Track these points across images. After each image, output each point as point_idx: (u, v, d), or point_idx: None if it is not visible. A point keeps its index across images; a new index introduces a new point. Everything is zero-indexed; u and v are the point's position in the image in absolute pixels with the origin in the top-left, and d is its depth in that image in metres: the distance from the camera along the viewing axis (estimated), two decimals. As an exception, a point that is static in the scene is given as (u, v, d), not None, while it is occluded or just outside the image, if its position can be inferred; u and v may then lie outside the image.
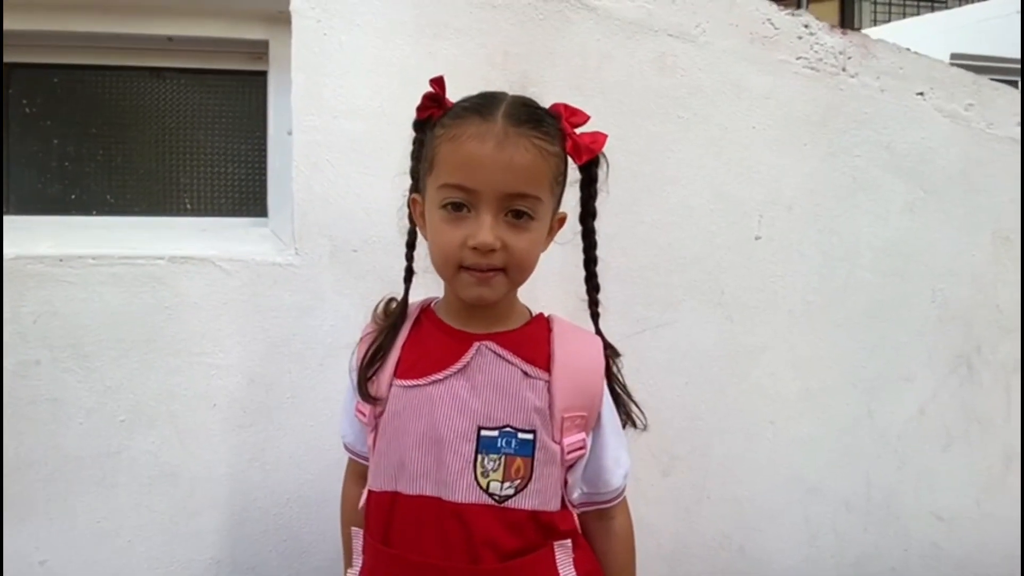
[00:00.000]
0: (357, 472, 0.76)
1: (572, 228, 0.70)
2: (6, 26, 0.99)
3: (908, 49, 1.09)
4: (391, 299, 0.72)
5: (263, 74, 1.07)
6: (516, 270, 0.63)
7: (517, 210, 0.61)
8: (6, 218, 1.03)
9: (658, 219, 1.01)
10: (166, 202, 1.08)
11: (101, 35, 1.02)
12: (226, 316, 0.93)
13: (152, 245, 0.95)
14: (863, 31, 1.10)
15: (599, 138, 0.64)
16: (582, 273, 0.72)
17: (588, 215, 0.69)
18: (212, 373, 0.94)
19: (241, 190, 1.09)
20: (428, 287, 0.73)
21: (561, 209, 0.68)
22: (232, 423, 0.94)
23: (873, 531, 1.09)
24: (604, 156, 0.66)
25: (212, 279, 0.93)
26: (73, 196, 1.06)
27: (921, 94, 1.08)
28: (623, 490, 0.72)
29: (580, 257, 0.71)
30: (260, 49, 1.05)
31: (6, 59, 1.04)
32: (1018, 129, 1.10)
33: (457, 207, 0.60)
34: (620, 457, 0.70)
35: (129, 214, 1.06)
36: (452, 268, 0.62)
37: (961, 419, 1.11)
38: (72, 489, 0.92)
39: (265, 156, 1.06)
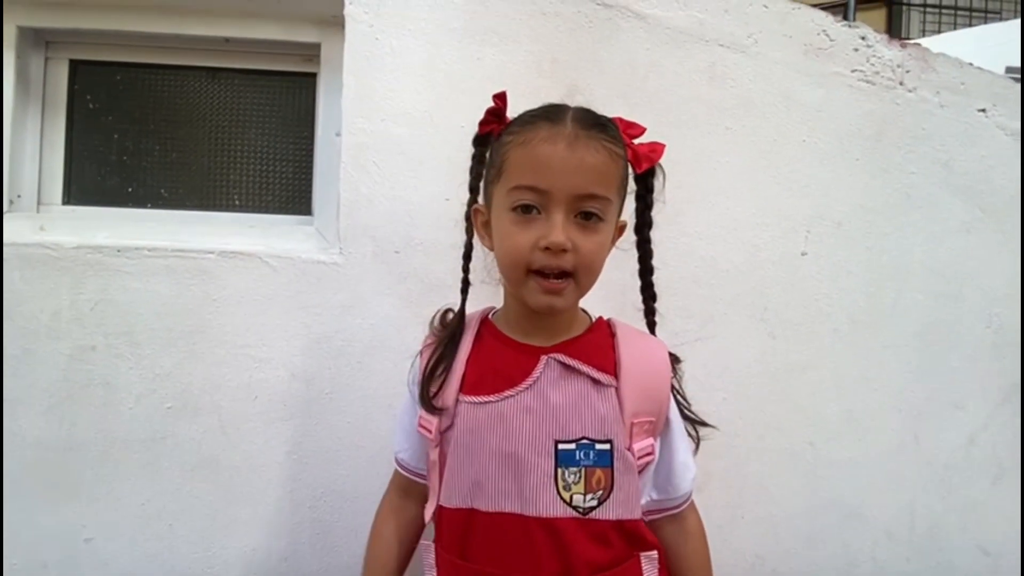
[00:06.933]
0: (404, 486, 0.75)
1: (627, 238, 0.70)
2: (74, 25, 1.04)
3: (970, 63, 1.05)
4: (447, 310, 0.72)
5: (313, 76, 1.09)
6: (585, 273, 0.62)
7: (587, 211, 0.60)
8: (68, 208, 1.08)
9: (702, 231, 1.00)
10: (216, 198, 1.11)
11: (162, 35, 1.06)
12: (270, 311, 0.96)
13: (203, 239, 0.98)
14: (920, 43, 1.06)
15: (657, 148, 0.65)
16: (628, 280, 0.72)
17: (644, 225, 0.69)
18: (255, 366, 0.96)
19: (288, 189, 1.11)
20: (480, 299, 0.73)
21: (621, 217, 0.68)
22: (272, 415, 0.96)
23: (915, 562, 1.05)
24: (660, 167, 0.67)
25: (259, 274, 0.96)
26: (130, 189, 1.11)
27: (983, 111, 1.04)
28: (691, 493, 0.71)
29: (630, 265, 0.71)
30: (312, 51, 1.07)
31: (73, 56, 1.09)
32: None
33: (527, 209, 0.60)
34: (688, 461, 0.70)
35: (181, 208, 1.10)
36: (521, 272, 0.61)
37: (1013, 451, 1.06)
38: (119, 471, 0.95)
39: (312, 156, 1.09)
